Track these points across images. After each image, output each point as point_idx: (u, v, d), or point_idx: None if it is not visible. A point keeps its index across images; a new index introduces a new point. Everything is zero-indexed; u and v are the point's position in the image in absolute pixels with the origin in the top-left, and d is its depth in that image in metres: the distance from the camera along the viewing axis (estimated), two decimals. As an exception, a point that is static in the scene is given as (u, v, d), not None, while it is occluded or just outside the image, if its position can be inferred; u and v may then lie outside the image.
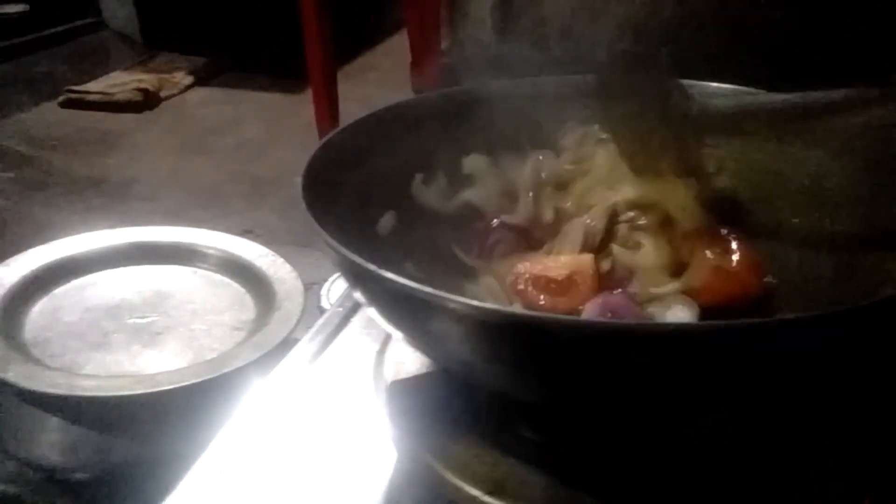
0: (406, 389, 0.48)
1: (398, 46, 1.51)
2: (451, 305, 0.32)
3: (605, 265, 0.43)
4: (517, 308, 0.42)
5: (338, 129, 0.51)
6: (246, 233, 1.08)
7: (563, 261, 0.44)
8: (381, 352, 0.52)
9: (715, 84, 0.51)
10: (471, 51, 0.80)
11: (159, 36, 1.59)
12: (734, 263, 0.42)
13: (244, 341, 0.66)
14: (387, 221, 0.50)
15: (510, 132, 0.58)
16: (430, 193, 0.52)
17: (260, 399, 0.53)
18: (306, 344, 0.60)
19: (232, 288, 0.73)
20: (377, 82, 1.53)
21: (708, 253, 0.43)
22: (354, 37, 1.67)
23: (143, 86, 1.41)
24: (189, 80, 1.50)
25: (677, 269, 0.44)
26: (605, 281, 0.43)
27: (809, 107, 0.43)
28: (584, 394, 0.36)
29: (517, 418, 0.43)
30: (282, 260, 0.75)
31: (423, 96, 0.58)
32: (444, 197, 0.52)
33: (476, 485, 0.41)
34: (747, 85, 0.57)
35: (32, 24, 1.61)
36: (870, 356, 0.41)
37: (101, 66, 1.51)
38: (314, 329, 0.62)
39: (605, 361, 0.31)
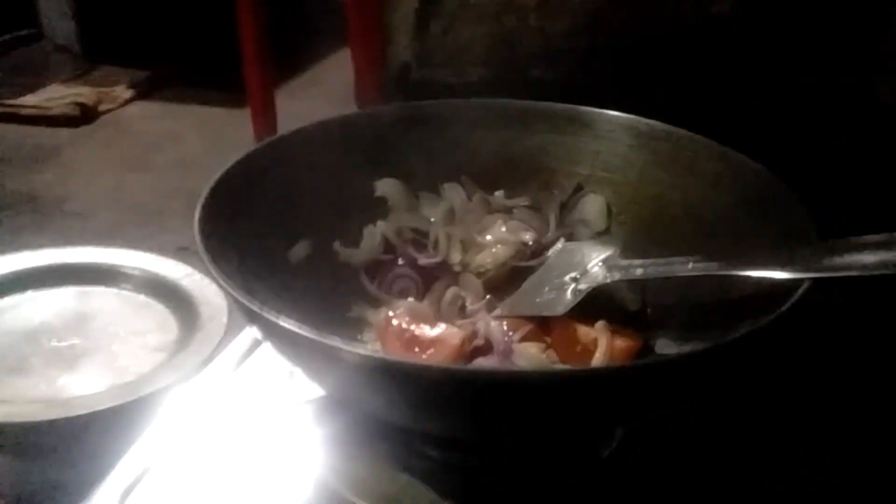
0: (314, 410, 0.49)
1: (344, 60, 1.52)
2: (326, 349, 0.34)
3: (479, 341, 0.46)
4: (378, 352, 0.43)
5: (251, 150, 0.52)
6: (181, 250, 1.07)
7: (438, 328, 0.46)
8: (292, 372, 0.53)
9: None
10: (396, 73, 0.82)
11: (100, 48, 1.58)
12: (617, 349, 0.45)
13: (164, 363, 0.66)
14: (299, 250, 0.52)
15: (425, 156, 0.59)
16: (350, 251, 0.53)
17: (169, 420, 0.53)
18: (219, 365, 0.61)
19: (155, 309, 0.73)
20: (321, 97, 1.53)
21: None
22: (299, 51, 1.67)
23: (80, 100, 1.40)
24: (129, 93, 1.49)
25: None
26: (475, 352, 0.46)
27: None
28: (454, 428, 0.38)
29: (415, 437, 0.45)
30: (208, 280, 0.76)
31: (343, 117, 0.59)
32: (364, 252, 0.53)
33: (373, 502, 0.42)
34: (650, 112, 0.59)
35: (-33, 36, 1.58)
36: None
37: (38, 79, 1.49)
38: (228, 350, 0.62)
39: (462, 404, 0.33)
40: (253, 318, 0.36)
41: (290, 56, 1.60)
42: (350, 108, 1.44)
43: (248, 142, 1.17)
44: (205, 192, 0.45)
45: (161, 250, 1.04)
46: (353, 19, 1.14)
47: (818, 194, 0.47)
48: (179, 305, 0.73)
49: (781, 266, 0.38)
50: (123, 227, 1.13)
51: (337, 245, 0.53)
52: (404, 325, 0.47)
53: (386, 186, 0.57)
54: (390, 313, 0.47)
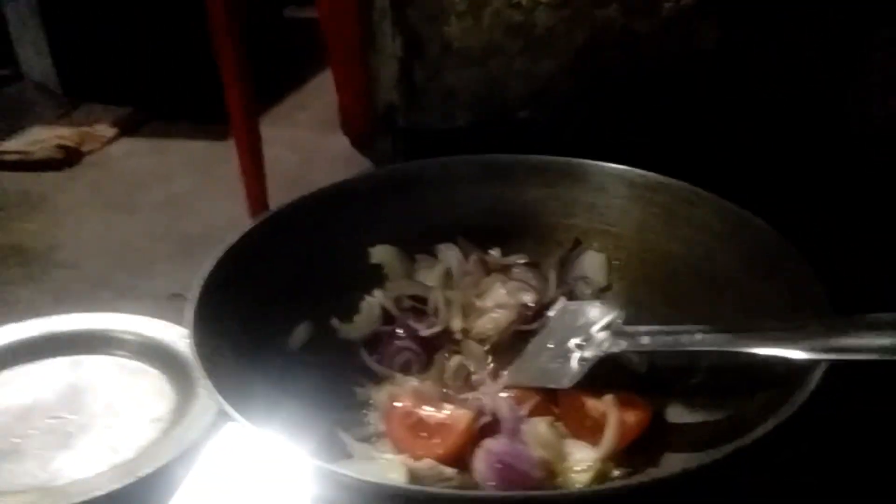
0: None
1: (328, 83, 1.49)
2: (320, 472, 0.32)
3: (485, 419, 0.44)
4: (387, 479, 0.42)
5: (239, 236, 0.51)
6: (174, 297, 1.06)
7: (443, 410, 0.45)
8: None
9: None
10: (383, 113, 0.80)
11: (80, 86, 1.55)
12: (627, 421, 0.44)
13: (163, 436, 0.64)
14: (299, 334, 0.50)
15: (418, 218, 0.58)
16: (348, 327, 0.52)
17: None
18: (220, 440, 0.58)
19: (150, 375, 0.71)
20: (307, 124, 1.51)
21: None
22: (282, 75, 1.65)
23: (63, 142, 1.37)
24: (112, 131, 1.46)
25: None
26: (483, 430, 0.44)
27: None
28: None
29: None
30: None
31: (331, 186, 0.58)
32: (363, 326, 0.52)
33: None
34: (646, 157, 0.58)
35: (-58, 78, 1.56)
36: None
37: (19, 121, 1.46)
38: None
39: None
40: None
41: (272, 80, 1.57)
42: (337, 136, 1.42)
43: (234, 176, 1.15)
44: (195, 289, 0.43)
45: (154, 297, 1.02)
46: (335, 55, 1.12)
47: (819, 251, 0.46)
48: (175, 370, 0.71)
49: (794, 344, 0.37)
50: (114, 276, 1.11)
51: (335, 321, 0.52)
52: (409, 409, 0.46)
53: (380, 253, 0.56)
54: (395, 400, 0.46)
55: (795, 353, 0.37)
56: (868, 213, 0.62)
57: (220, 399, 0.34)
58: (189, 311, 0.41)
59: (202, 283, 0.43)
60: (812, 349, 0.36)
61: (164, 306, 1.00)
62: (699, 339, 0.43)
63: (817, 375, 0.35)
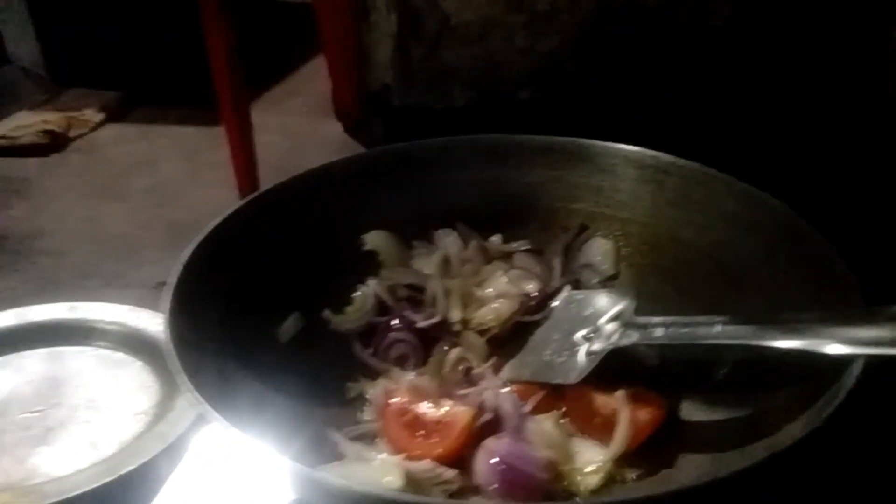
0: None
1: (321, 69, 1.45)
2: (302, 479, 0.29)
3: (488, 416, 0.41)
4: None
5: (221, 219, 0.47)
6: (161, 285, 1.02)
7: (442, 407, 0.41)
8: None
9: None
10: (376, 94, 0.77)
11: (67, 70, 1.51)
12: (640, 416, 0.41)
13: (146, 431, 0.61)
14: (289, 326, 0.47)
15: (415, 202, 0.55)
16: (341, 318, 0.48)
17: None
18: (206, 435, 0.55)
19: (134, 367, 0.68)
20: (299, 109, 1.47)
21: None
22: (274, 60, 1.61)
23: (49, 127, 1.33)
24: (100, 116, 1.42)
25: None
26: (484, 428, 0.41)
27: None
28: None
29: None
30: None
31: (321, 167, 0.54)
32: (356, 317, 0.48)
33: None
34: (653, 141, 0.55)
35: (-73, 64, 1.51)
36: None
37: (6, 106, 1.42)
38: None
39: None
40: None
41: (264, 65, 1.53)
42: (330, 121, 1.39)
43: (224, 163, 1.11)
44: (173, 276, 0.40)
45: (141, 287, 0.99)
46: (327, 34, 1.08)
47: (845, 237, 0.43)
48: (160, 361, 0.68)
49: (828, 338, 0.34)
50: (100, 264, 1.08)
51: (327, 313, 0.48)
52: (405, 406, 0.42)
53: (375, 239, 0.52)
54: (390, 396, 0.42)
55: (830, 348, 0.34)
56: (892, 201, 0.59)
57: (196, 396, 0.31)
58: (166, 300, 0.37)
59: (180, 270, 0.39)
60: (848, 342, 0.33)
61: (151, 295, 0.96)
62: (719, 332, 0.39)
63: (855, 371, 0.32)
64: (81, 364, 0.69)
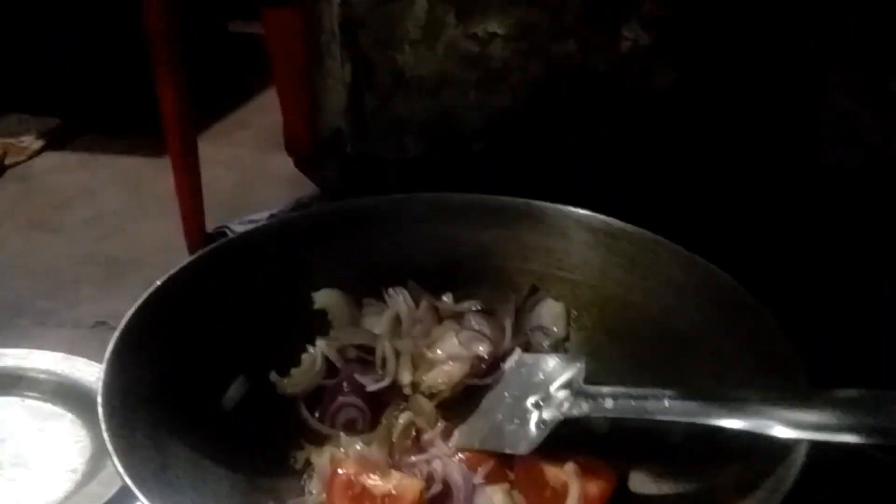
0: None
1: (273, 101, 1.43)
2: None
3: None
4: None
5: (162, 281, 0.46)
6: (99, 324, 0.99)
7: (391, 479, 0.41)
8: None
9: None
10: (329, 139, 0.76)
11: (6, 95, 1.46)
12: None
13: (76, 491, 0.59)
14: (234, 391, 0.45)
15: (366, 260, 0.54)
16: (287, 381, 0.47)
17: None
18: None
19: (65, 420, 0.65)
20: (249, 142, 1.45)
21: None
22: (224, 91, 1.59)
23: (-17, 154, 1.28)
24: (39, 143, 1.38)
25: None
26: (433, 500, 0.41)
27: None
28: None
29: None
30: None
31: (270, 224, 0.53)
32: (304, 379, 0.47)
33: None
34: (607, 198, 0.55)
35: None
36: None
37: (-61, 132, 1.36)
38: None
39: None
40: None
41: (213, 96, 1.51)
42: (280, 156, 1.37)
43: (168, 196, 1.08)
44: (111, 344, 0.38)
45: (76, 326, 0.95)
46: (279, 72, 1.07)
47: (790, 309, 0.44)
48: (92, 415, 0.65)
49: (773, 420, 0.35)
50: (33, 301, 1.04)
51: (273, 375, 0.47)
52: (353, 477, 0.41)
53: (325, 297, 0.52)
54: (337, 466, 0.41)
55: (776, 430, 0.34)
56: (839, 269, 0.61)
57: (120, 469, 0.30)
58: (102, 367, 0.36)
59: (119, 332, 0.38)
60: (792, 426, 0.34)
61: (87, 336, 0.93)
62: (666, 407, 0.40)
63: (801, 453, 0.33)
64: (7, 415, 0.65)
